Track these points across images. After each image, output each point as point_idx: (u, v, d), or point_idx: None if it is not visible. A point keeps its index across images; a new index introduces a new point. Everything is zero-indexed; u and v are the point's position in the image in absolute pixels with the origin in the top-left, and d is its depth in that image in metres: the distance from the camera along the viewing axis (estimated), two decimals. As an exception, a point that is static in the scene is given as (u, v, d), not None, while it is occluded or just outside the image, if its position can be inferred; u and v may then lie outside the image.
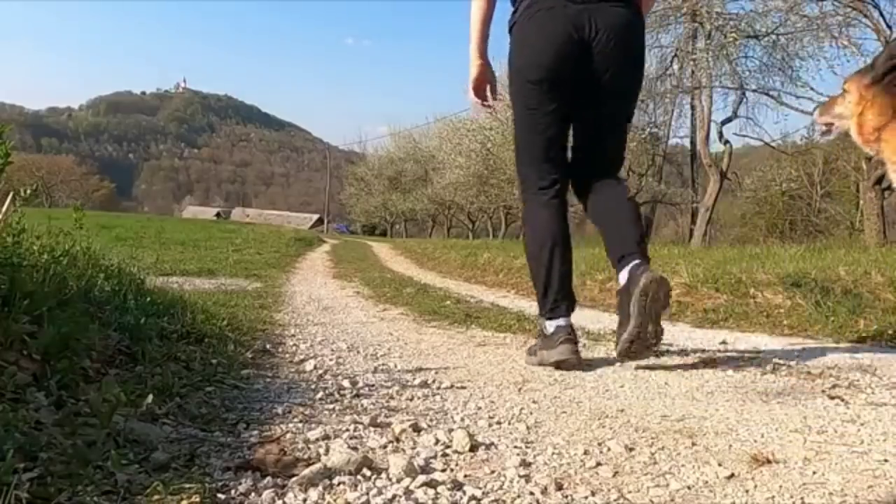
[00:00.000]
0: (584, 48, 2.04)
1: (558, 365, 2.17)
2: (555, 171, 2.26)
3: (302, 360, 2.51)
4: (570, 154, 2.33)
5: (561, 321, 2.25)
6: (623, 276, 2.09)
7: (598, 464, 1.40)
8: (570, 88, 2.12)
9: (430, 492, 1.22)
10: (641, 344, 2.08)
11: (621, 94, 2.19)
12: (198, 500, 1.10)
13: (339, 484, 1.24)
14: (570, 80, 2.10)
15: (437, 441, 1.52)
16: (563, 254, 2.29)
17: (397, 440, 1.54)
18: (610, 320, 4.08)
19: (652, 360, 2.66)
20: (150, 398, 1.56)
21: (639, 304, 2.02)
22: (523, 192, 2.39)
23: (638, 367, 2.48)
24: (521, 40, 2.18)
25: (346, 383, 2.10)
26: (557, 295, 2.26)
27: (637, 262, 2.10)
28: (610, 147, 2.30)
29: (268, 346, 2.77)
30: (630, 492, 1.26)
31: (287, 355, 2.64)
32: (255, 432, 1.55)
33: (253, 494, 1.18)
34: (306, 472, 1.26)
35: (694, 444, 1.54)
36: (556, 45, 2.05)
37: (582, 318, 4.13)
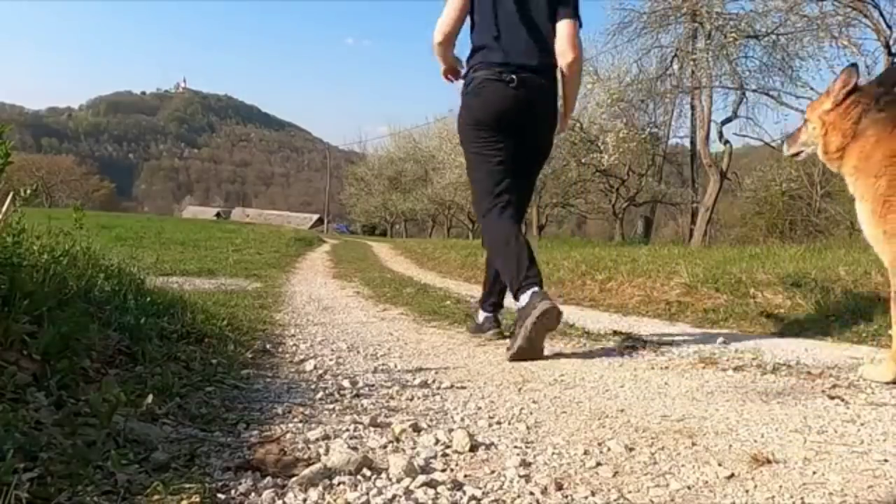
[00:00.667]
0: (515, 110, 2.69)
1: (544, 313, 2.42)
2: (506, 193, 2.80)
3: (302, 360, 2.51)
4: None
5: (535, 288, 2.52)
6: (524, 299, 2.51)
7: (598, 464, 1.40)
8: (505, 135, 2.74)
9: (430, 492, 1.22)
10: (528, 354, 2.51)
11: (533, 148, 2.86)
12: (198, 500, 1.10)
13: (339, 484, 1.24)
14: (506, 128, 2.73)
15: (437, 441, 1.52)
16: (524, 243, 2.65)
17: (397, 440, 1.54)
18: (609, 320, 4.09)
19: (652, 361, 2.66)
20: (150, 398, 1.56)
21: (533, 325, 2.44)
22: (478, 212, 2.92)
23: (637, 368, 2.49)
24: (467, 103, 2.80)
25: (346, 383, 2.10)
26: (528, 271, 2.56)
27: (536, 289, 2.51)
28: (525, 184, 2.96)
29: (268, 346, 2.77)
30: (630, 492, 1.26)
31: (287, 355, 2.64)
32: (255, 432, 1.55)
33: (253, 494, 1.18)
34: (306, 472, 1.26)
35: (694, 444, 1.54)
36: (493, 105, 2.70)
37: (582, 317, 4.13)
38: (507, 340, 2.70)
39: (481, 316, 3.12)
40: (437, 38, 2.75)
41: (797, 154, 2.36)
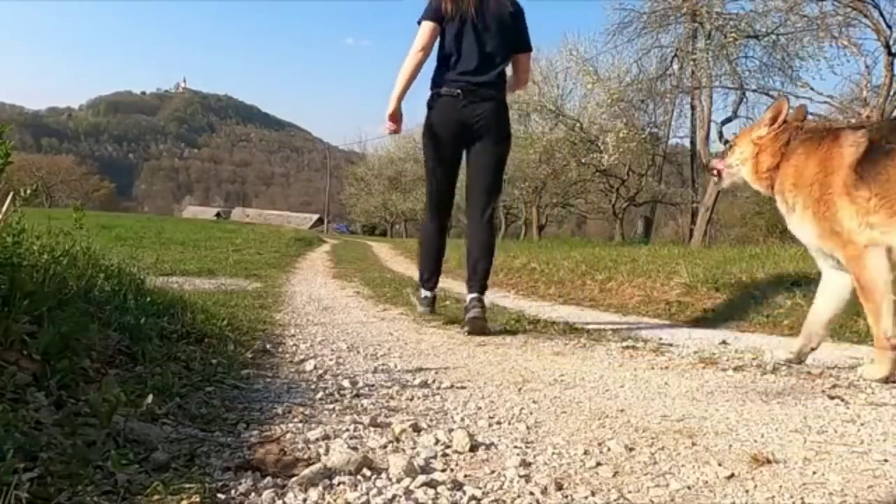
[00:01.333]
0: (469, 124, 3.21)
1: (421, 315, 3.57)
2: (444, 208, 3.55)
3: (302, 360, 2.51)
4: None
5: (429, 293, 3.59)
6: (466, 299, 3.23)
7: (598, 464, 1.40)
8: (458, 146, 3.32)
9: (430, 492, 1.22)
10: (476, 328, 3.18)
11: (489, 150, 3.28)
12: (198, 500, 1.10)
13: (339, 484, 1.24)
14: (458, 141, 3.29)
15: (437, 441, 1.52)
16: (440, 252, 3.56)
17: (397, 440, 1.54)
18: (609, 320, 4.09)
19: (652, 361, 2.66)
20: (150, 398, 1.56)
21: (468, 326, 3.20)
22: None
23: (637, 368, 2.49)
24: (431, 120, 3.34)
25: (346, 383, 2.10)
26: (432, 271, 3.53)
27: (474, 295, 3.20)
28: (486, 185, 3.33)
29: (268, 346, 2.77)
30: (630, 492, 1.26)
31: (287, 355, 2.64)
32: (255, 432, 1.55)
33: (253, 494, 1.18)
34: (306, 472, 1.26)
35: (694, 444, 1.54)
36: (450, 124, 3.25)
37: (582, 317, 4.14)
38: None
39: (424, 292, 3.76)
40: (416, 46, 3.19)
41: (717, 174, 2.67)
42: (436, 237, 3.51)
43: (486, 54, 3.17)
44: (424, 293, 3.69)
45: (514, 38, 3.27)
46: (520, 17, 3.29)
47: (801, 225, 2.31)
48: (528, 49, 3.35)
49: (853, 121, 10.89)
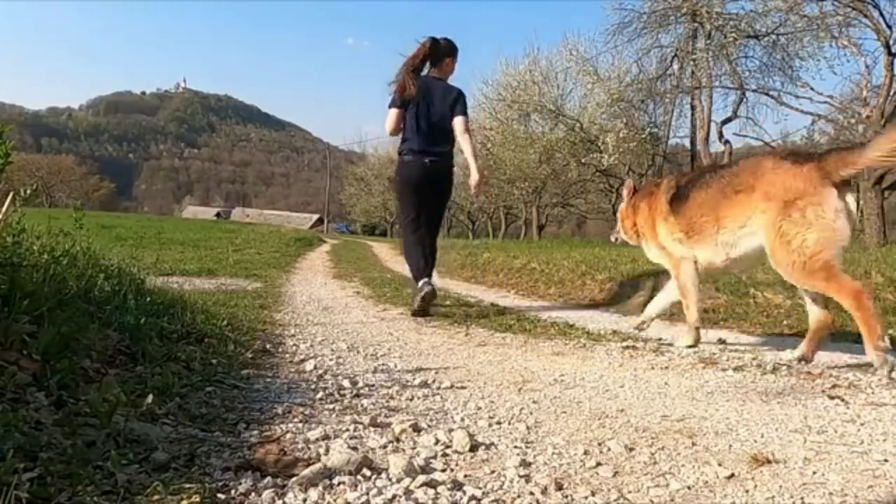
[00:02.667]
0: (425, 178, 4.24)
1: (426, 293, 4.05)
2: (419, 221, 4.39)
3: (302, 360, 2.51)
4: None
5: (425, 279, 4.13)
6: (419, 284, 4.10)
7: (598, 464, 1.40)
8: (420, 192, 4.29)
9: (430, 492, 1.22)
10: (420, 313, 4.04)
11: (438, 198, 4.40)
12: (198, 500, 1.10)
13: (339, 484, 1.24)
14: (419, 189, 4.28)
15: (437, 441, 1.52)
16: (425, 251, 4.27)
17: (397, 440, 1.54)
18: (609, 320, 4.09)
19: (652, 361, 2.66)
20: (150, 398, 1.56)
21: (421, 297, 4.03)
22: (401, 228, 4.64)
23: (637, 368, 2.49)
24: (399, 171, 4.43)
25: (346, 383, 2.10)
26: (424, 270, 4.18)
27: (426, 279, 4.11)
28: (436, 219, 4.45)
29: (268, 346, 2.77)
30: (630, 492, 1.26)
31: (287, 355, 2.64)
32: (255, 432, 1.55)
33: (253, 494, 1.18)
34: (306, 472, 1.26)
35: (694, 444, 1.54)
36: (413, 176, 4.27)
37: (582, 317, 4.13)
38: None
39: (420, 283, 4.31)
40: (387, 128, 4.37)
41: (618, 237, 3.51)
42: (422, 246, 4.33)
43: (436, 130, 4.22)
44: (421, 283, 4.25)
45: (454, 112, 4.26)
46: (460, 100, 4.29)
47: (648, 250, 3.14)
48: (464, 115, 4.30)
49: (853, 121, 10.89)
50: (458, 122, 4.20)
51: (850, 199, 2.26)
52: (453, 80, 4.43)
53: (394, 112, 4.25)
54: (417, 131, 4.20)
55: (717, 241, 2.57)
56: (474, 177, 4.25)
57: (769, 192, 2.32)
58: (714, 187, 2.59)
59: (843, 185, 2.24)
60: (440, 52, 4.30)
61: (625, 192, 3.38)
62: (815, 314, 2.51)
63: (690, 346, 2.85)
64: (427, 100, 4.18)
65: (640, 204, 3.14)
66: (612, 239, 3.58)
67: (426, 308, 4.04)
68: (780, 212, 2.27)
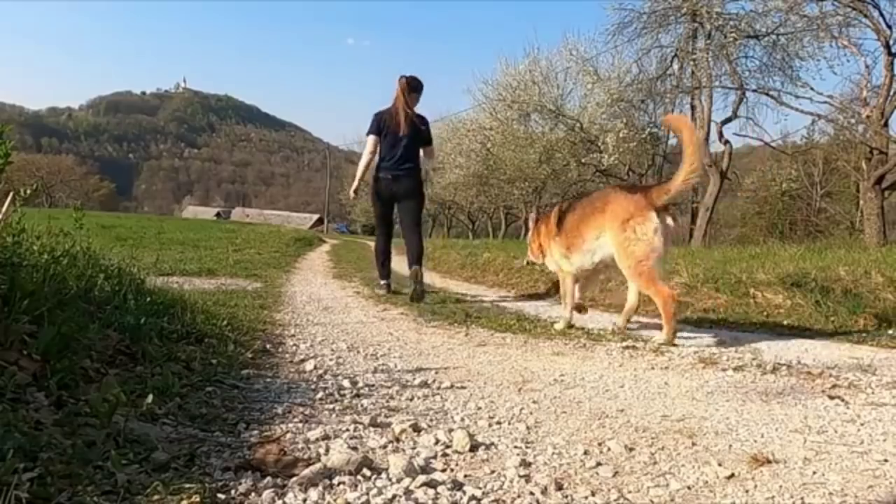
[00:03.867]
0: (394, 190, 5.23)
1: (382, 294, 5.20)
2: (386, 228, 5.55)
3: (302, 360, 2.51)
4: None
5: (384, 282, 5.40)
6: (382, 283, 5.41)
7: (598, 464, 1.40)
8: (390, 205, 5.38)
9: (430, 492, 1.22)
10: (416, 297, 4.84)
11: (411, 203, 5.33)
12: (198, 500, 1.10)
13: (339, 484, 1.24)
14: (389, 203, 5.36)
15: (437, 441, 1.52)
16: (388, 256, 5.55)
17: (397, 440, 1.54)
18: (610, 320, 4.08)
19: (652, 361, 2.66)
20: (150, 398, 1.56)
21: (413, 278, 4.97)
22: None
23: (637, 368, 2.49)
24: (375, 190, 5.35)
25: (346, 383, 2.10)
26: (385, 270, 5.44)
27: (416, 266, 5.06)
28: (413, 220, 5.35)
29: (268, 346, 2.77)
30: (630, 492, 1.26)
31: (287, 355, 2.64)
32: (255, 432, 1.55)
33: (253, 494, 1.18)
34: (306, 472, 1.26)
35: (694, 444, 1.54)
36: (386, 192, 5.25)
37: (582, 317, 4.13)
38: (406, 307, 4.58)
39: (382, 282, 5.48)
40: (366, 152, 5.33)
41: (528, 263, 4.29)
42: (385, 250, 5.56)
43: (406, 152, 5.18)
44: (383, 283, 5.48)
45: (423, 140, 5.29)
46: (425, 127, 5.34)
47: (549, 263, 3.73)
48: (430, 144, 5.44)
49: (853, 121, 10.89)
50: (427, 150, 5.39)
51: (668, 219, 2.97)
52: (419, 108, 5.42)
53: (372, 139, 5.24)
54: (392, 153, 5.16)
55: (584, 249, 3.27)
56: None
57: (614, 213, 3.01)
58: (579, 212, 3.30)
59: (663, 209, 2.93)
60: (412, 86, 5.25)
61: (531, 223, 4.03)
62: (630, 300, 3.33)
63: (561, 330, 3.50)
64: (404, 127, 5.15)
65: (541, 228, 3.75)
66: (524, 263, 4.35)
67: (388, 289, 5.42)
68: (621, 227, 2.95)
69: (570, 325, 3.56)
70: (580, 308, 3.74)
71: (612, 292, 5.41)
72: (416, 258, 5.15)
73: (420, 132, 5.21)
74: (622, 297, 5.37)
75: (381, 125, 5.16)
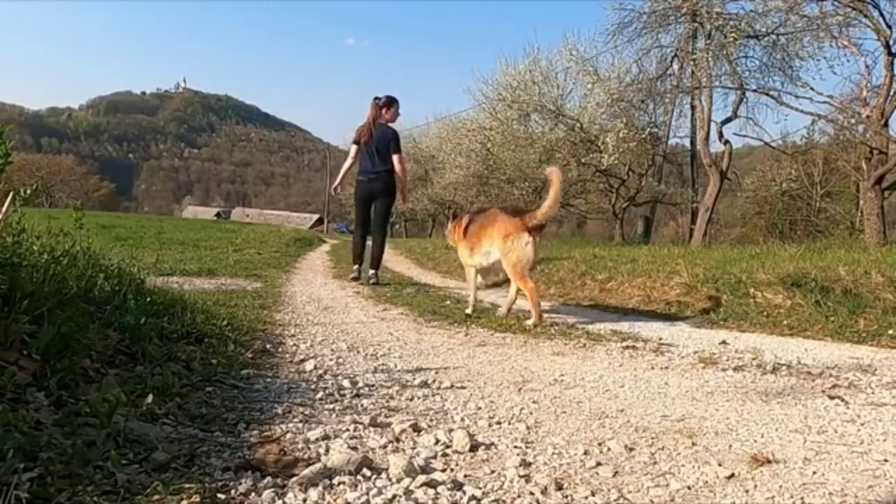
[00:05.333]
0: (371, 189, 6.44)
1: (352, 276, 6.47)
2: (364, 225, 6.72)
3: (302, 360, 2.51)
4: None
5: (355, 267, 6.56)
6: (354, 271, 6.62)
7: (598, 464, 1.40)
8: (367, 203, 6.61)
9: (430, 492, 1.22)
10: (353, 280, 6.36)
11: (384, 201, 6.49)
12: (198, 500, 1.10)
13: (339, 484, 1.24)
14: (367, 198, 6.55)
15: (437, 441, 1.52)
16: (363, 248, 6.66)
17: (397, 440, 1.54)
18: (609, 320, 4.09)
19: (652, 361, 2.66)
20: (150, 398, 1.56)
21: (369, 280, 6.33)
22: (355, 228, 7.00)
23: (637, 368, 2.49)
24: (356, 190, 6.64)
25: (346, 383, 2.10)
26: (359, 259, 6.59)
27: (373, 271, 6.36)
28: (381, 219, 6.54)
29: (268, 346, 2.77)
30: (630, 492, 1.26)
31: (287, 355, 2.64)
32: (255, 432, 1.55)
33: (253, 494, 1.18)
34: (306, 472, 1.26)
35: (694, 444, 1.54)
36: (364, 191, 6.51)
37: (582, 317, 4.13)
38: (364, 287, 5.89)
39: (354, 270, 6.62)
40: (350, 158, 6.57)
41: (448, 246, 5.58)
42: (361, 242, 6.66)
43: (378, 159, 6.31)
44: (354, 268, 6.63)
45: (391, 149, 6.32)
46: (394, 138, 6.37)
47: (461, 257, 4.50)
48: (398, 153, 6.38)
49: (853, 121, 10.88)
50: (395, 158, 6.35)
51: (536, 237, 3.93)
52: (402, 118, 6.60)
53: (353, 148, 6.52)
54: (368, 160, 6.34)
55: (481, 252, 4.14)
56: (404, 193, 6.65)
57: (500, 229, 3.96)
58: (478, 225, 4.24)
59: (533, 230, 3.88)
60: (381, 105, 6.38)
61: (450, 221, 4.97)
62: (511, 292, 4.18)
63: (468, 315, 4.14)
64: (374, 139, 6.28)
65: (456, 227, 4.67)
66: (446, 246, 5.74)
67: (356, 279, 6.41)
68: (503, 240, 3.92)
69: (475, 307, 4.33)
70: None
71: (612, 292, 5.41)
72: (376, 262, 6.43)
73: (388, 143, 6.32)
74: (622, 298, 5.40)
75: (359, 137, 6.37)
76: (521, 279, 3.91)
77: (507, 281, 4.26)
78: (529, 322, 3.75)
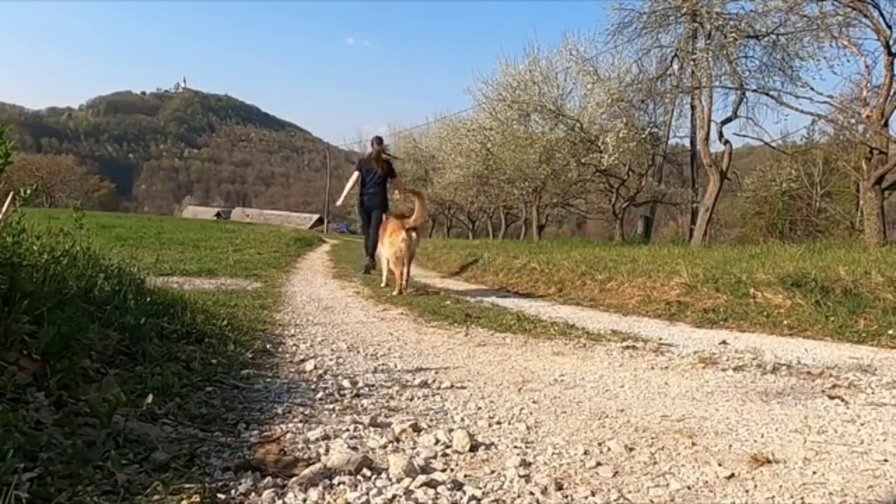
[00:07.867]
0: (370, 204, 8.06)
1: (365, 270, 7.93)
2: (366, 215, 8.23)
3: (302, 360, 2.51)
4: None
5: (367, 257, 7.97)
6: (375, 256, 7.66)
7: (598, 464, 1.40)
8: (369, 212, 8.08)
9: (430, 492, 1.22)
10: (366, 272, 7.83)
11: (378, 212, 7.81)
12: (198, 500, 1.10)
13: (339, 484, 1.24)
14: (369, 211, 8.05)
15: (437, 441, 1.52)
16: (370, 243, 7.91)
17: (397, 440, 1.54)
18: (609, 320, 4.09)
19: (652, 361, 2.66)
20: (150, 398, 1.56)
21: (364, 264, 8.06)
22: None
23: (637, 368, 2.49)
24: (359, 203, 8.28)
25: (346, 383, 2.10)
26: (371, 251, 7.77)
27: (368, 257, 8.00)
28: (376, 224, 7.61)
29: (268, 346, 2.77)
30: (630, 492, 1.26)
31: (287, 355, 2.64)
32: (255, 432, 1.55)
33: (253, 494, 1.18)
34: (306, 472, 1.26)
35: (694, 444, 1.54)
36: (364, 205, 8.19)
37: (582, 317, 4.13)
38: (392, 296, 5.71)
39: (365, 259, 8.03)
40: (351, 181, 8.08)
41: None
42: (369, 238, 7.81)
43: (377, 182, 7.81)
44: (367, 258, 7.88)
45: (388, 174, 7.91)
46: (390, 166, 8.01)
47: (383, 247, 6.01)
48: (394, 177, 8.06)
49: (853, 121, 10.88)
50: (393, 182, 8.04)
51: (413, 235, 5.68)
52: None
53: (356, 174, 7.99)
54: (368, 183, 7.87)
55: (387, 244, 5.69)
56: (396, 195, 8.12)
57: (389, 230, 5.66)
58: (384, 226, 5.92)
59: (410, 230, 5.62)
60: (377, 140, 8.14)
61: (386, 220, 6.37)
62: (404, 276, 5.60)
63: (398, 294, 5.47)
64: (374, 167, 7.87)
65: (386, 224, 6.12)
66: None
67: (370, 270, 7.69)
68: (389, 237, 5.57)
69: (388, 285, 5.90)
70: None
71: (612, 292, 5.41)
72: (371, 251, 7.73)
73: (386, 171, 7.99)
74: (621, 298, 5.40)
75: (362, 165, 8.05)
76: (395, 266, 5.62)
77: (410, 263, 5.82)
78: (388, 289, 5.70)
